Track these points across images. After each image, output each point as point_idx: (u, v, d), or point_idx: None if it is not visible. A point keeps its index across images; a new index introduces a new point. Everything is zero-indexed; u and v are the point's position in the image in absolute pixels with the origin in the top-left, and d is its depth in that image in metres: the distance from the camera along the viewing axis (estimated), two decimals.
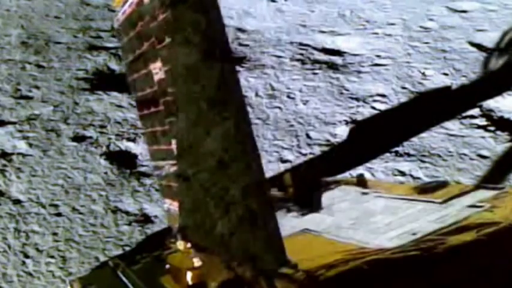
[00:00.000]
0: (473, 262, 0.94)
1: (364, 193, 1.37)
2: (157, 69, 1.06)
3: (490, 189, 1.23)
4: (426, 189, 1.31)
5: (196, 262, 1.25)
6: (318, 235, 1.13)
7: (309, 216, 1.27)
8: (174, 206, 1.22)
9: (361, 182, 1.44)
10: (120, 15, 1.21)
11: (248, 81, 4.04)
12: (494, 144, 3.18)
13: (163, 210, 1.49)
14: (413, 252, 0.92)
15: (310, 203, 1.32)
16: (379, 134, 3.38)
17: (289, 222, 1.25)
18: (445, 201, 1.19)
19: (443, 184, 1.32)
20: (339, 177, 1.61)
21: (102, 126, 3.58)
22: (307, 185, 1.42)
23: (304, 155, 3.26)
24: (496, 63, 3.54)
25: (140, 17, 1.12)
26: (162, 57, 1.04)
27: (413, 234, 1.03)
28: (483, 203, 1.15)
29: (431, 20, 4.68)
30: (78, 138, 3.53)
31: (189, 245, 1.26)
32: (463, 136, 3.29)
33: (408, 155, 3.18)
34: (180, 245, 1.31)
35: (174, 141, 1.12)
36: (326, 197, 1.33)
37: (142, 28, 1.09)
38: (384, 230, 1.07)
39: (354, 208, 1.24)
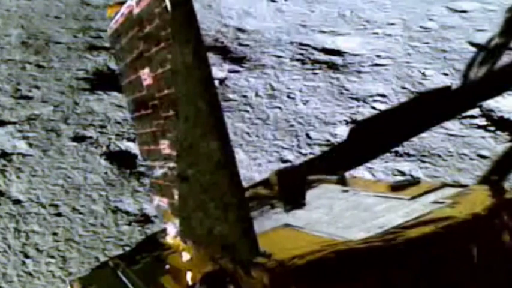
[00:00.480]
0: (428, 252, 1.03)
1: (343, 191, 1.46)
2: (145, 76, 1.15)
3: (455, 187, 1.32)
4: (399, 186, 1.40)
5: (185, 256, 1.33)
6: (297, 229, 1.23)
7: (291, 212, 1.36)
8: (163, 202, 1.32)
9: (341, 180, 1.55)
10: (112, 24, 1.28)
11: (248, 81, 4.04)
12: (494, 144, 3.18)
13: (153, 206, 1.59)
14: (376, 243, 1.02)
15: (293, 200, 1.41)
16: (379, 134, 3.38)
17: (272, 218, 1.35)
18: (413, 198, 1.29)
19: (414, 182, 1.42)
20: (322, 176, 1.70)
21: (102, 126, 3.58)
22: (291, 184, 1.50)
23: (304, 155, 3.27)
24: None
25: (130, 27, 1.19)
26: (154, 61, 1.08)
27: (380, 227, 1.11)
28: (446, 199, 1.24)
29: (431, 20, 4.68)
30: (78, 138, 3.53)
31: (178, 239, 1.33)
32: (463, 136, 3.29)
33: (408, 155, 3.18)
34: (170, 239, 1.39)
35: (164, 142, 1.19)
36: (308, 195, 1.43)
37: (132, 37, 1.18)
38: (356, 224, 1.17)
39: (332, 205, 1.34)
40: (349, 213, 1.26)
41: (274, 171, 1.55)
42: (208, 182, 1.09)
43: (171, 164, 1.23)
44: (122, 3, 1.22)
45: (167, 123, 1.17)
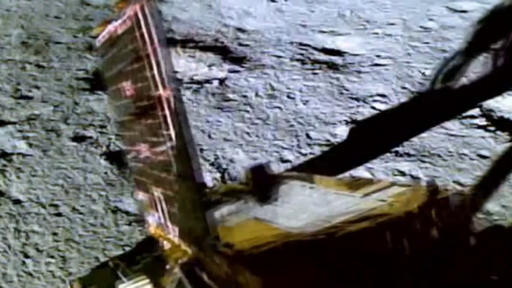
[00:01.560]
0: (361, 245, 1.17)
1: (310, 188, 1.58)
2: (127, 87, 1.38)
3: (402, 186, 1.43)
4: (356, 185, 1.52)
5: (166, 245, 1.50)
6: (262, 222, 1.37)
7: (261, 206, 1.50)
8: (145, 197, 1.55)
9: (309, 177, 1.67)
10: (100, 38, 1.47)
11: (248, 81, 4.04)
12: (494, 144, 3.18)
13: (137, 201, 1.78)
14: (319, 236, 1.16)
15: (264, 195, 1.55)
16: (379, 134, 3.38)
17: (243, 211, 1.49)
18: (364, 196, 1.40)
19: (369, 181, 1.54)
20: (292, 173, 1.87)
21: (102, 126, 3.58)
22: (264, 180, 1.65)
23: (304, 155, 3.26)
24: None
25: (114, 45, 1.38)
26: (134, 76, 1.31)
27: (329, 222, 1.25)
28: (390, 197, 1.35)
29: (431, 20, 4.68)
30: (78, 138, 3.53)
31: (158, 229, 1.49)
32: (463, 136, 3.29)
33: (408, 155, 3.18)
34: (152, 229, 1.60)
35: (143, 146, 1.41)
36: (279, 190, 1.57)
37: (115, 53, 1.37)
38: (311, 219, 1.31)
39: (297, 200, 1.49)
40: (309, 209, 1.40)
41: (249, 168, 1.69)
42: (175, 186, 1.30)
43: (149, 165, 1.44)
44: (108, 22, 1.40)
45: (146, 129, 1.37)
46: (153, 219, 1.57)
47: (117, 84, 1.47)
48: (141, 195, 1.63)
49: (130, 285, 1.51)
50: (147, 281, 1.47)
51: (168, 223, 1.42)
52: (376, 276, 1.18)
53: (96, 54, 4.40)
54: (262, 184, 1.62)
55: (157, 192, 1.43)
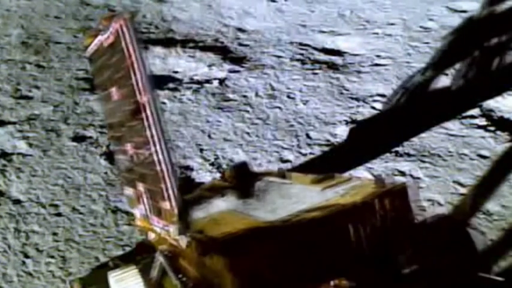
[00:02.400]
0: (315, 231, 1.33)
1: (282, 183, 1.75)
2: (114, 93, 1.54)
3: (357, 181, 1.59)
4: (320, 179, 1.67)
5: (150, 235, 1.65)
6: (237, 213, 1.53)
7: (241, 201, 1.67)
8: (131, 192, 1.68)
9: (282, 174, 1.83)
10: (90, 48, 1.65)
11: (248, 81, 4.04)
12: (494, 144, 3.18)
13: (125, 196, 1.89)
14: (279, 224, 1.34)
15: (242, 191, 1.72)
16: (379, 134, 3.38)
17: (222, 204, 1.66)
18: (323, 189, 1.57)
19: (331, 176, 1.68)
20: (268, 170, 2.04)
21: (102, 126, 3.58)
22: (245, 177, 1.81)
23: (304, 155, 3.26)
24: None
25: (101, 55, 1.56)
26: (119, 83, 1.47)
27: (291, 212, 1.41)
28: (345, 190, 1.51)
29: (431, 20, 4.68)
30: (78, 138, 3.53)
31: (144, 222, 1.66)
32: (463, 136, 3.29)
33: (408, 155, 3.18)
34: (138, 222, 1.75)
35: (128, 145, 1.56)
36: (256, 186, 1.74)
37: (102, 62, 1.56)
38: (278, 210, 1.48)
39: (269, 194, 1.66)
40: (278, 201, 1.58)
41: (231, 166, 1.88)
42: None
43: (134, 163, 1.58)
44: (97, 34, 1.55)
45: (131, 131, 1.51)
46: (139, 212, 1.71)
47: (105, 89, 1.62)
48: (128, 191, 1.76)
49: (119, 274, 1.64)
50: (136, 270, 1.61)
51: (152, 215, 1.56)
52: (324, 257, 1.34)
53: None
54: (243, 181, 1.77)
55: (141, 187, 1.58)
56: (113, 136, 1.68)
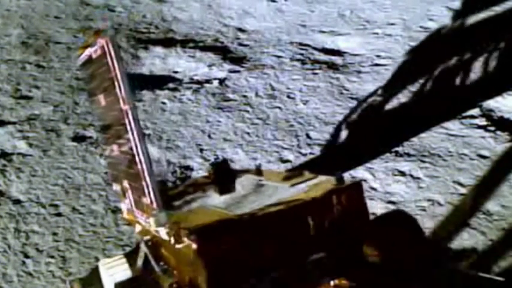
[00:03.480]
0: (276, 223, 1.48)
1: (257, 180, 1.89)
2: (101, 98, 1.71)
3: (323, 178, 1.71)
4: (290, 176, 1.82)
5: (137, 228, 1.80)
6: (214, 208, 1.68)
7: (218, 196, 1.81)
8: (118, 187, 1.84)
9: (257, 171, 1.98)
10: (81, 58, 1.80)
11: (248, 81, 4.04)
12: (494, 144, 3.18)
13: (114, 191, 2.02)
14: (246, 216, 1.48)
15: (222, 188, 1.84)
16: (379, 134, 3.38)
17: (202, 200, 1.80)
18: (291, 185, 1.71)
19: (300, 174, 1.81)
20: (245, 169, 2.22)
21: None
22: (223, 174, 1.93)
23: (304, 155, 3.27)
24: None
25: (90, 66, 1.75)
26: (106, 90, 1.66)
27: (258, 206, 1.55)
28: (308, 186, 1.66)
29: (431, 20, 4.68)
30: (78, 138, 3.53)
31: (131, 215, 1.81)
32: (463, 136, 3.29)
33: (408, 155, 3.18)
34: (125, 215, 1.91)
35: (114, 147, 1.74)
36: (234, 183, 1.88)
37: (91, 72, 1.76)
38: (250, 204, 1.61)
39: (245, 190, 1.81)
40: (251, 196, 1.73)
41: (211, 165, 2.04)
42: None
43: (119, 162, 1.74)
44: (87, 47, 1.74)
45: (116, 133, 1.68)
46: (125, 206, 1.87)
47: (95, 95, 1.80)
48: (115, 186, 1.92)
49: (109, 262, 1.80)
50: (124, 259, 1.78)
51: (135, 209, 1.72)
52: (286, 246, 1.49)
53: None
54: (222, 178, 1.90)
55: (126, 183, 1.74)
56: (103, 137, 1.86)
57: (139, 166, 1.53)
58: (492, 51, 4.00)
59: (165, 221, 1.52)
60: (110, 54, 1.53)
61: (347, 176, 3.05)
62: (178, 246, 1.44)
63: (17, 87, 4.08)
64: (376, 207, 2.82)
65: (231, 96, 3.88)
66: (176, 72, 4.19)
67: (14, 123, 3.69)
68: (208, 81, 4.06)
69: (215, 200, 1.76)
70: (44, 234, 2.81)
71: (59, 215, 2.93)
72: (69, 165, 3.28)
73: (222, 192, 1.83)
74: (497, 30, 4.22)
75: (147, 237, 1.66)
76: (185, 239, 1.42)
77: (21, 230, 2.84)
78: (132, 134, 1.54)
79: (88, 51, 1.69)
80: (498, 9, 4.50)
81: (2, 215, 2.94)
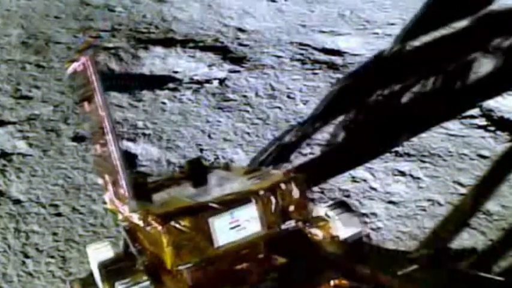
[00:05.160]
0: (226, 209, 1.72)
1: (223, 175, 2.14)
2: (86, 105, 2.02)
3: (275, 172, 2.01)
4: (249, 171, 2.06)
5: (120, 216, 2.00)
6: (183, 197, 1.91)
7: (190, 188, 2.06)
8: (102, 181, 2.10)
9: (226, 167, 2.27)
10: (69, 70, 2.07)
11: (248, 81, 4.04)
12: (494, 144, 3.19)
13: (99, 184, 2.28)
14: (203, 204, 1.74)
15: (195, 181, 2.10)
16: (379, 134, 3.38)
17: (176, 191, 2.04)
18: (248, 179, 1.95)
19: (258, 169, 2.11)
20: (216, 164, 2.53)
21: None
22: (196, 170, 2.19)
23: (304, 155, 3.27)
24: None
25: (76, 78, 2.04)
26: (89, 99, 2.00)
27: (217, 196, 1.81)
28: (261, 179, 1.90)
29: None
30: (78, 138, 3.53)
31: (113, 206, 2.07)
32: (463, 136, 3.29)
33: (408, 155, 3.18)
34: (108, 205, 2.15)
35: (97, 146, 2.03)
36: (204, 177, 2.14)
37: (77, 83, 2.05)
38: (211, 194, 1.88)
39: (211, 183, 2.08)
40: (215, 188, 2.00)
41: (186, 161, 2.31)
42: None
43: (101, 159, 2.01)
44: (74, 61, 2.03)
45: (98, 134, 1.99)
46: (108, 197, 2.11)
47: (81, 102, 2.08)
48: (100, 180, 2.17)
49: (96, 245, 2.06)
50: (108, 243, 2.03)
51: (115, 199, 2.00)
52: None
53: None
54: (195, 173, 2.16)
55: (107, 177, 2.04)
56: (89, 138, 2.24)
57: (115, 162, 1.88)
58: (494, 51, 4.00)
59: (136, 208, 1.81)
60: (90, 71, 1.92)
61: (347, 175, 3.06)
62: (148, 228, 1.70)
63: (17, 87, 4.08)
64: (376, 207, 2.82)
65: (231, 96, 3.88)
66: (176, 72, 4.19)
67: (14, 123, 3.69)
68: (208, 81, 4.06)
69: (187, 191, 2.02)
70: (44, 234, 2.81)
71: (59, 215, 2.93)
72: (69, 165, 3.28)
73: (193, 185, 2.09)
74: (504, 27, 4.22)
75: (126, 223, 1.91)
76: (153, 223, 1.66)
77: (21, 230, 2.84)
78: (108, 135, 1.90)
79: (74, 65, 2.01)
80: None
81: (2, 215, 2.94)
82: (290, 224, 1.77)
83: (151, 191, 2.02)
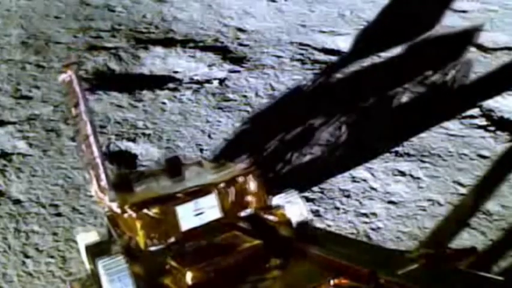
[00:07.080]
0: (190, 199, 1.92)
1: (196, 170, 2.33)
2: (74, 112, 2.29)
3: (238, 167, 2.12)
4: (217, 166, 2.25)
5: (105, 208, 2.16)
6: (158, 190, 2.11)
7: (165, 182, 2.25)
8: (88, 176, 2.30)
9: (199, 163, 2.41)
10: (60, 79, 2.38)
11: (248, 81, 4.04)
12: (494, 144, 3.19)
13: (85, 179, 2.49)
14: (172, 194, 1.94)
15: (172, 176, 2.28)
16: (379, 134, 3.38)
17: (154, 185, 2.24)
18: (215, 173, 2.14)
19: (224, 164, 2.24)
20: (192, 161, 2.57)
21: (102, 126, 3.59)
22: (173, 166, 2.37)
23: (304, 155, 3.27)
24: None
25: (65, 85, 2.36)
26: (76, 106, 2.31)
27: (183, 188, 2.00)
28: (225, 173, 2.07)
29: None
30: None
31: (98, 198, 2.26)
32: (463, 136, 3.29)
33: (408, 155, 3.18)
34: (95, 197, 2.30)
35: (84, 148, 2.28)
36: (181, 173, 2.32)
37: (68, 93, 2.35)
38: (181, 186, 2.04)
39: (184, 178, 2.28)
40: (186, 182, 2.20)
41: (165, 158, 2.46)
42: None
43: (86, 156, 2.27)
44: (63, 72, 2.34)
45: (83, 137, 2.26)
46: (93, 190, 2.31)
47: (70, 107, 2.33)
48: (87, 176, 2.37)
49: (84, 235, 2.26)
50: (95, 232, 2.26)
51: (98, 191, 2.21)
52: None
53: (96, 54, 4.42)
54: (171, 169, 2.35)
55: (91, 172, 2.25)
56: (78, 140, 2.41)
57: (96, 159, 2.20)
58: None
59: (114, 197, 2.07)
60: (74, 82, 2.28)
61: (347, 175, 3.06)
62: (125, 216, 1.90)
63: (17, 87, 4.08)
64: (376, 207, 2.82)
65: (231, 96, 3.88)
66: (176, 72, 4.19)
67: (14, 123, 3.68)
68: (208, 81, 4.06)
69: (163, 185, 2.23)
70: (44, 234, 2.81)
71: (59, 215, 2.93)
72: (69, 165, 3.28)
73: (169, 179, 2.29)
74: None
75: (109, 212, 2.11)
76: (129, 210, 1.86)
77: (21, 230, 2.84)
78: (90, 137, 2.22)
79: (63, 75, 2.34)
80: None
81: (2, 215, 2.94)
82: (247, 211, 1.98)
83: (131, 184, 2.27)
